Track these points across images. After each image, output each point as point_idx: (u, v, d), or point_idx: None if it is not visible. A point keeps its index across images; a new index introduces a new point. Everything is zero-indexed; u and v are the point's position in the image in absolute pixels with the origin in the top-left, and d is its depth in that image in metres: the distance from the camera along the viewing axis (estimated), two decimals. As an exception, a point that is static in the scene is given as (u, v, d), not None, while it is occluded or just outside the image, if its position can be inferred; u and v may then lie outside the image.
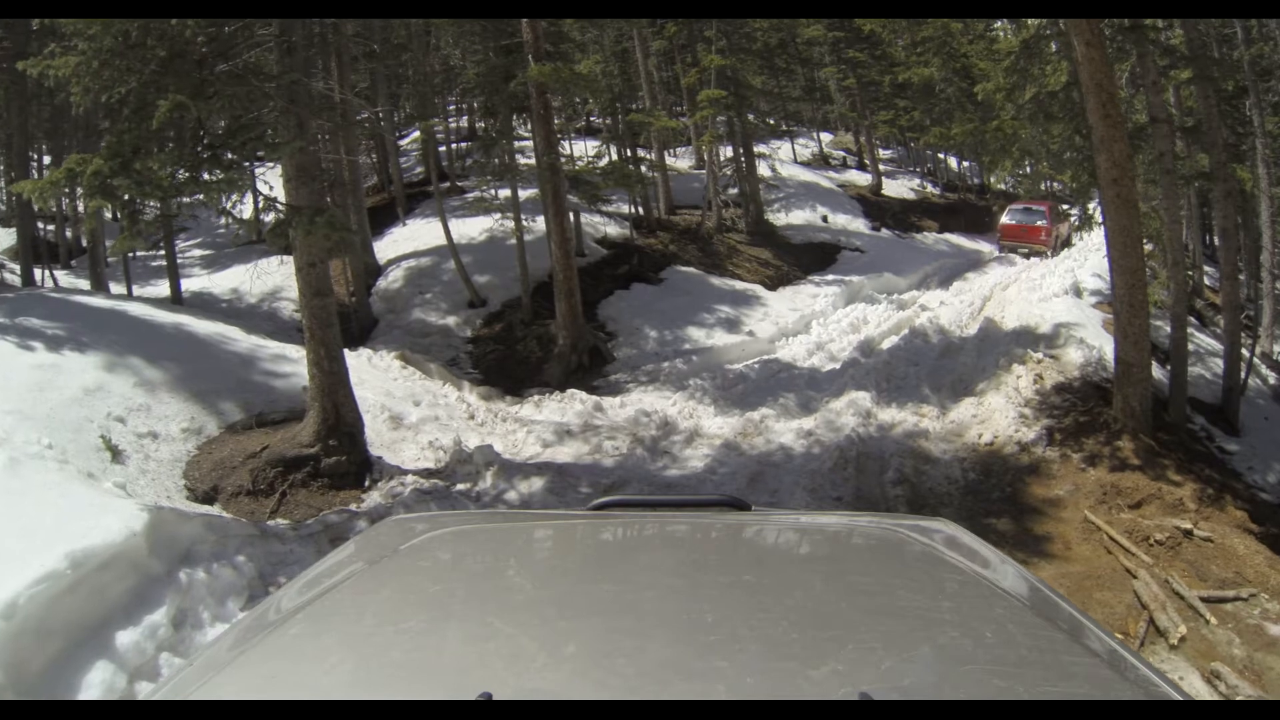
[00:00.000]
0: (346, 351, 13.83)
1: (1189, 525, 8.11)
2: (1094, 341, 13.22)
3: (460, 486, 8.95)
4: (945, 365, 12.46)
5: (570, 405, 11.40)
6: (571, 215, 17.13)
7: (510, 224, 15.60)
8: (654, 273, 16.46)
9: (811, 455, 9.41)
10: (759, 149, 22.23)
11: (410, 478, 9.06)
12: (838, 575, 1.36)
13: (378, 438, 10.10)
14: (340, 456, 8.95)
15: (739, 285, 16.34)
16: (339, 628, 1.17)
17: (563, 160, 13.68)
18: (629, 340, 14.07)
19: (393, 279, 17.41)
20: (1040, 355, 12.27)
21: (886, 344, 13.62)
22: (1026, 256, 22.02)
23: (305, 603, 1.24)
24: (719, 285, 16.15)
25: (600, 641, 1.08)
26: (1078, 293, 17.62)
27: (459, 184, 21.36)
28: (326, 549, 6.94)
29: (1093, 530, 8.12)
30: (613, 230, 18.48)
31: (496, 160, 15.32)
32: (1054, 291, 17.16)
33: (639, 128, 20.02)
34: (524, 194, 16.38)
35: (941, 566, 1.36)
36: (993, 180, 33.56)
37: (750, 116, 22.23)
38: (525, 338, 14.91)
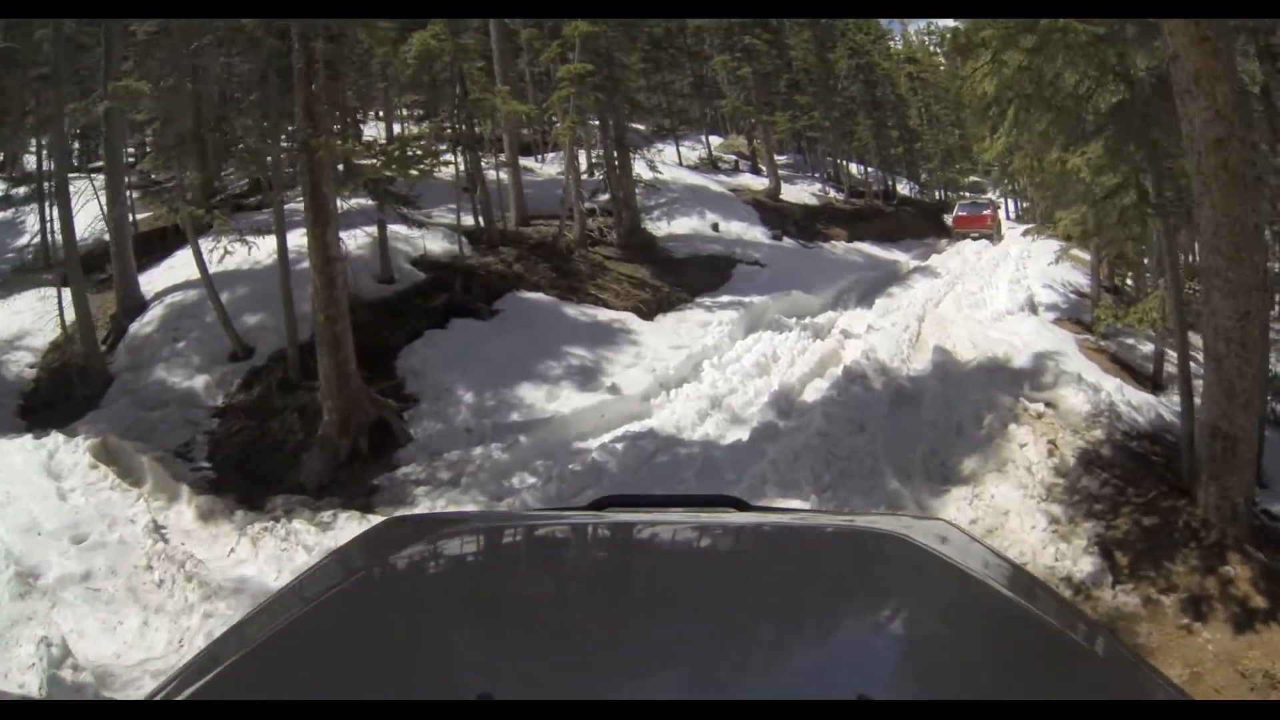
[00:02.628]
0: (28, 440, 9.39)
1: None
2: (1090, 378, 9.44)
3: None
4: (904, 425, 8.29)
5: (292, 552, 6.83)
6: (375, 228, 12.60)
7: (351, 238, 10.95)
8: (486, 302, 11.87)
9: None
10: (644, 157, 17.98)
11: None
12: (837, 574, 1.31)
13: (-17, 616, 6.09)
14: None
15: (603, 315, 11.89)
16: (339, 627, 1.13)
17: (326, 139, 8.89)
18: (435, 407, 9.47)
19: (148, 320, 12.57)
20: (1039, 406, 8.26)
21: (811, 393, 9.40)
22: (976, 240, 25.55)
23: (305, 602, 1.19)
24: (575, 316, 11.66)
25: (600, 641, 1.04)
26: (1033, 308, 14.06)
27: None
28: None
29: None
30: (438, 246, 13.83)
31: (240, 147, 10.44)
32: (1006, 308, 13.76)
33: (480, 114, 15.40)
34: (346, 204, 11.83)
35: (941, 566, 1.28)
36: (925, 177, 31.13)
37: (631, 124, 18.28)
38: (284, 409, 10.16)
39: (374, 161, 8.56)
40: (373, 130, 22.91)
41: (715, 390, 9.47)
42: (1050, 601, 1.29)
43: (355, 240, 12.92)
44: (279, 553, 6.91)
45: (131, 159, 15.74)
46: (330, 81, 10.45)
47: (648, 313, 12.55)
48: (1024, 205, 43.59)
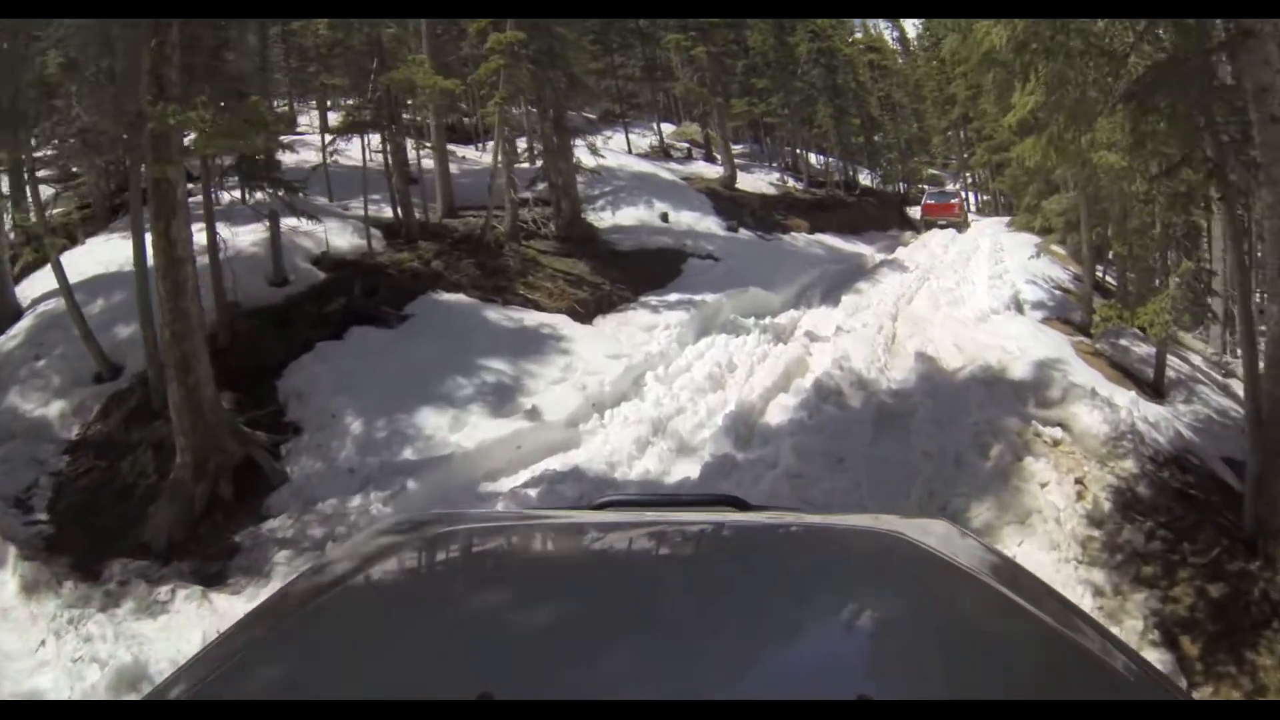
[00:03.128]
0: None
1: None
2: (1103, 391, 7.98)
3: None
4: (892, 457, 6.74)
5: (83, 667, 5.17)
6: (267, 221, 10.76)
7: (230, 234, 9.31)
8: (394, 307, 10.11)
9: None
10: (584, 140, 16.20)
11: None
12: (837, 574, 1.30)
13: None
14: None
15: (531, 319, 10.15)
16: (338, 627, 1.12)
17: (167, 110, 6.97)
18: (318, 440, 7.77)
19: (14, 333, 10.72)
20: (1054, 432, 6.74)
21: (775, 413, 7.81)
22: (944, 228, 26.25)
23: (304, 602, 1.18)
24: (497, 321, 9.93)
25: (600, 641, 1.02)
26: (1018, 307, 12.64)
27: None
28: None
29: None
30: (348, 242, 12.03)
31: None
32: (990, 307, 12.32)
33: (399, 89, 13.53)
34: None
35: (941, 566, 1.26)
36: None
37: (575, 108, 16.60)
38: (139, 444, 8.41)
39: (205, 129, 6.64)
40: (306, 120, 21.06)
41: (659, 410, 7.81)
42: (1050, 601, 1.19)
43: (248, 236, 11.13)
44: (70, 664, 5.16)
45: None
46: (200, 45, 8.69)
47: (584, 315, 10.85)
48: (984, 198, 42.91)
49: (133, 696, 5.29)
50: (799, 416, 7.31)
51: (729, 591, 1.16)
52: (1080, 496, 5.84)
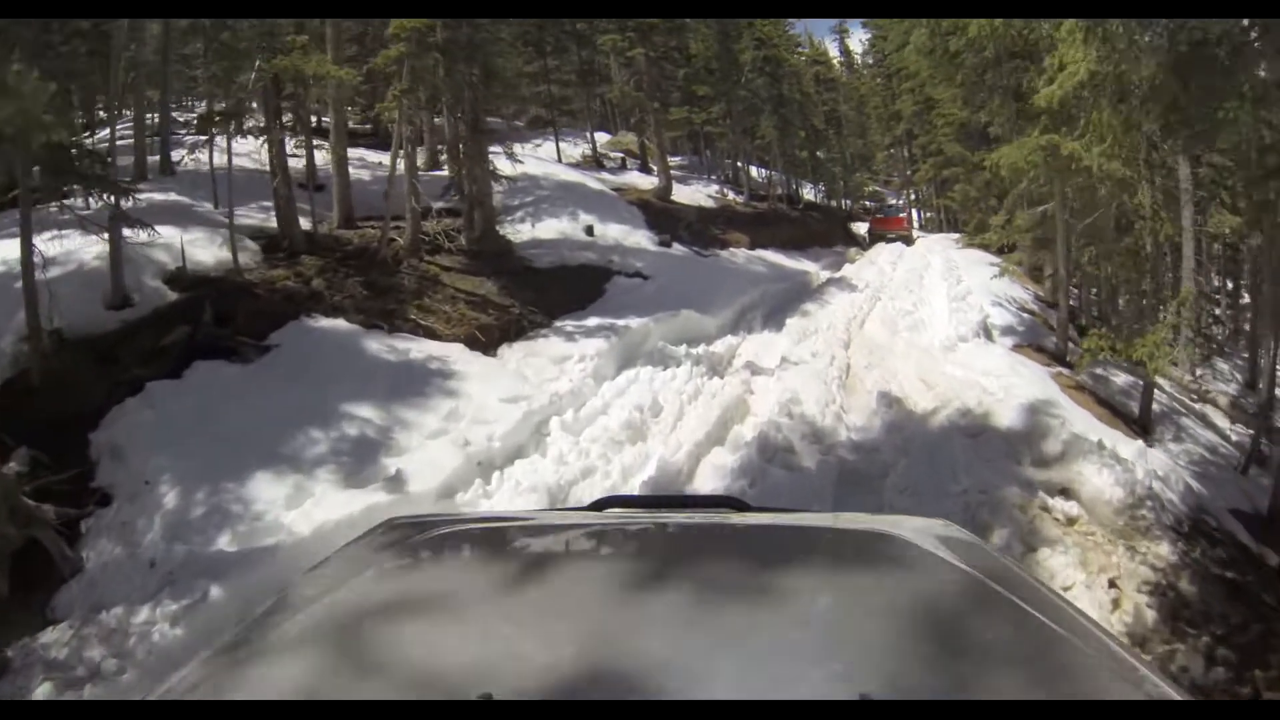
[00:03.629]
0: None
1: None
2: (1108, 442, 6.59)
3: None
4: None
5: None
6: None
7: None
8: (256, 336, 8.30)
9: None
10: (503, 146, 14.48)
11: None
12: (837, 574, 1.29)
13: None
14: None
15: (420, 350, 8.40)
16: (339, 627, 1.10)
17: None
18: (126, 513, 5.99)
19: None
20: (1068, 506, 5.31)
21: (708, 475, 6.23)
22: (891, 241, 26.76)
23: (305, 603, 1.18)
24: (376, 353, 8.17)
25: (600, 641, 1.00)
26: (987, 333, 11.31)
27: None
28: None
29: None
30: (212, 256, 10.17)
31: None
32: (957, 334, 10.91)
33: (287, 78, 11.69)
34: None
35: (941, 566, 1.27)
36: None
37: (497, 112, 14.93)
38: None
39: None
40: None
41: (561, 472, 6.13)
42: (1050, 601, 1.18)
43: (93, 249, 9.22)
44: None
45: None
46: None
47: (487, 343, 9.12)
48: (927, 215, 42.42)
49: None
50: (738, 485, 5.69)
51: (728, 592, 1.13)
52: (1117, 604, 4.36)
